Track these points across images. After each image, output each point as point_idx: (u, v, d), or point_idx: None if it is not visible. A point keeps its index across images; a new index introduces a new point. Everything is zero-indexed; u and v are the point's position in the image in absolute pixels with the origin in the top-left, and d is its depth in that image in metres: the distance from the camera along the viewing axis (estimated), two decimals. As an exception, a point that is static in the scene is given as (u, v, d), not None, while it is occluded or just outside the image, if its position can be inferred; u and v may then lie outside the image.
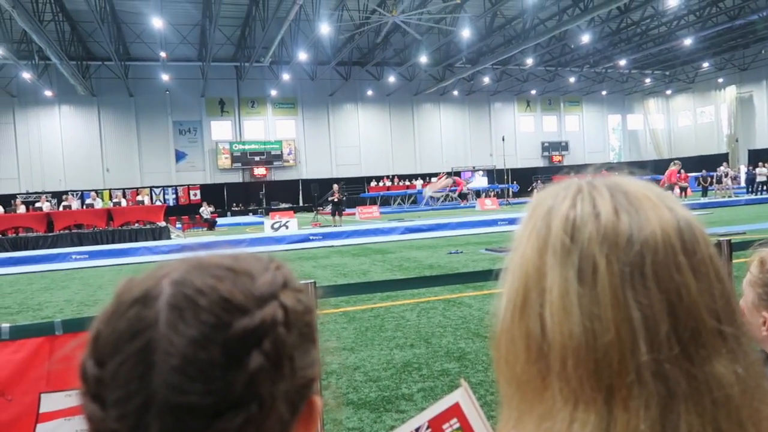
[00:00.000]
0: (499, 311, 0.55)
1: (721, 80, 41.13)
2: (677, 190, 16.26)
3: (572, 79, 39.72)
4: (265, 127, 37.08)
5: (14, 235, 16.97)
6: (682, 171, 16.01)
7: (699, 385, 0.47)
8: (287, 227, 17.66)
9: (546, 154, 43.27)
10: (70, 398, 1.89)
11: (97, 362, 0.45)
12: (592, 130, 44.99)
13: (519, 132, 42.58)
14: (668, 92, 45.25)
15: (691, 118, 45.05)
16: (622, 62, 35.81)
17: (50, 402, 1.90)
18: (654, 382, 0.46)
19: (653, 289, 0.47)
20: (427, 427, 1.21)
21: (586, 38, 29.40)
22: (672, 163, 16.03)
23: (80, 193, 29.79)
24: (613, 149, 45.99)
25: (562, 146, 43.57)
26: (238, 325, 0.45)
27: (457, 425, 1.20)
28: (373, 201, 32.54)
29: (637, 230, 0.49)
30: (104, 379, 0.44)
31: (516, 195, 34.63)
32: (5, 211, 18.13)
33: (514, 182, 34.77)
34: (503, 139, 35.81)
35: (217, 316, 0.45)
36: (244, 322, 0.45)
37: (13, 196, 25.94)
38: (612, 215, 0.50)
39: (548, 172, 40.30)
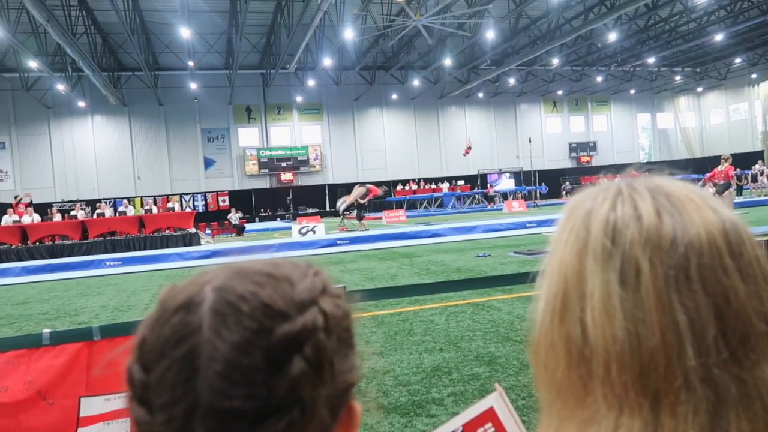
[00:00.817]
0: (537, 316, 0.54)
1: (754, 76, 40.10)
2: (732, 185, 15.52)
3: (599, 79, 39.12)
4: (292, 132, 37.42)
5: (51, 242, 17.44)
6: (717, 169, 15.42)
7: (749, 390, 0.45)
8: (314, 232, 17.80)
9: (574, 154, 42.69)
10: (109, 402, 1.93)
11: (143, 367, 0.46)
12: (621, 130, 44.24)
13: (546, 133, 42.12)
14: (699, 89, 44.26)
15: (724, 116, 43.99)
16: (651, 60, 35.16)
17: (90, 406, 1.94)
18: (702, 387, 0.45)
19: (699, 292, 0.46)
20: (462, 432, 1.20)
21: (613, 37, 28.95)
22: (722, 158, 15.34)
23: (113, 200, 30.45)
24: (642, 149, 45.15)
25: (590, 147, 42.95)
26: (280, 330, 0.45)
27: (492, 430, 1.19)
28: (399, 205, 32.55)
29: (681, 232, 0.47)
30: (150, 384, 0.45)
31: (544, 197, 34.22)
32: (42, 219, 18.59)
33: (542, 184, 34.39)
34: (530, 141, 35.47)
35: (259, 321, 0.45)
36: (286, 328, 0.46)
37: (49, 205, 26.59)
38: (654, 217, 0.48)
39: (576, 173, 39.76)
